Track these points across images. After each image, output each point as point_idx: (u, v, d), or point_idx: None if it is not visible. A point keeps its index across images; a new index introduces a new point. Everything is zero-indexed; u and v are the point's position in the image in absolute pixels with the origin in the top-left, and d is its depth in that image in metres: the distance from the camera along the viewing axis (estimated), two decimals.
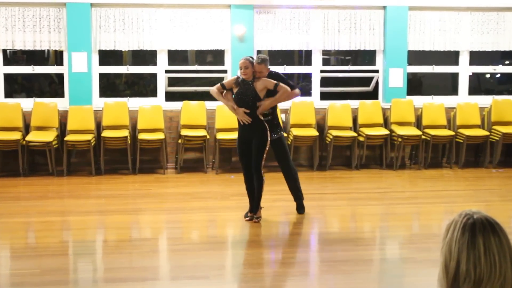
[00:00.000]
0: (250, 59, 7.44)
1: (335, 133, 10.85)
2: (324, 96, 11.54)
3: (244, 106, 7.35)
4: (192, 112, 10.83)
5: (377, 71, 11.60)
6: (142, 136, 10.53)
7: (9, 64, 11.55)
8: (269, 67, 7.59)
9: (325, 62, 11.93)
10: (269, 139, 7.36)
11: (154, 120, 10.74)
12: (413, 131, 11.02)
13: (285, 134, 7.77)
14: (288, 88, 7.41)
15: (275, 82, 7.34)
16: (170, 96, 11.26)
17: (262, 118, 7.36)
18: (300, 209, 7.97)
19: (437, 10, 11.43)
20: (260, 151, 7.33)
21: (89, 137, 10.36)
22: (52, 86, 12.24)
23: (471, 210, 2.30)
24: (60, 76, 11.26)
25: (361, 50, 11.48)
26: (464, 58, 11.74)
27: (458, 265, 2.22)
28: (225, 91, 7.51)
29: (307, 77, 11.88)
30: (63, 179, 10.22)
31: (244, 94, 7.35)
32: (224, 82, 7.62)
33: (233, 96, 7.45)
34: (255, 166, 7.37)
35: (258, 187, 7.44)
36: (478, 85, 13.15)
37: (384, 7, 11.29)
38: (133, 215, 8.24)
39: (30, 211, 8.35)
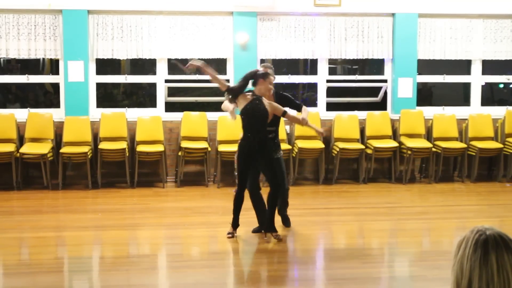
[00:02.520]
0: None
1: (341, 145, 10.73)
2: (330, 106, 11.48)
3: (255, 124, 7.08)
4: (192, 123, 10.74)
5: (385, 81, 11.52)
6: (140, 148, 10.43)
7: (3, 73, 11.89)
8: (276, 77, 7.63)
9: (331, 71, 11.94)
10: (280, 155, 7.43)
11: (153, 131, 10.64)
12: (423, 143, 10.90)
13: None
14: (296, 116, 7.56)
15: (284, 110, 7.24)
16: (170, 107, 11.21)
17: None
18: (285, 222, 7.91)
19: (448, 17, 11.34)
20: (281, 166, 7.36)
21: (85, 149, 10.27)
22: (47, 96, 12.17)
23: (484, 226, 2.28)
24: (56, 86, 11.22)
25: (368, 59, 11.40)
26: (476, 67, 11.63)
27: (470, 284, 2.19)
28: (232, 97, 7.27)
29: (313, 86, 11.81)
30: (58, 192, 10.12)
31: (255, 111, 7.06)
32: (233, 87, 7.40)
33: (242, 109, 7.16)
34: (279, 183, 7.25)
35: (282, 201, 7.61)
36: (491, 96, 13.21)
37: (393, 14, 11.21)
38: (131, 231, 8.15)
39: (23, 226, 8.26)
